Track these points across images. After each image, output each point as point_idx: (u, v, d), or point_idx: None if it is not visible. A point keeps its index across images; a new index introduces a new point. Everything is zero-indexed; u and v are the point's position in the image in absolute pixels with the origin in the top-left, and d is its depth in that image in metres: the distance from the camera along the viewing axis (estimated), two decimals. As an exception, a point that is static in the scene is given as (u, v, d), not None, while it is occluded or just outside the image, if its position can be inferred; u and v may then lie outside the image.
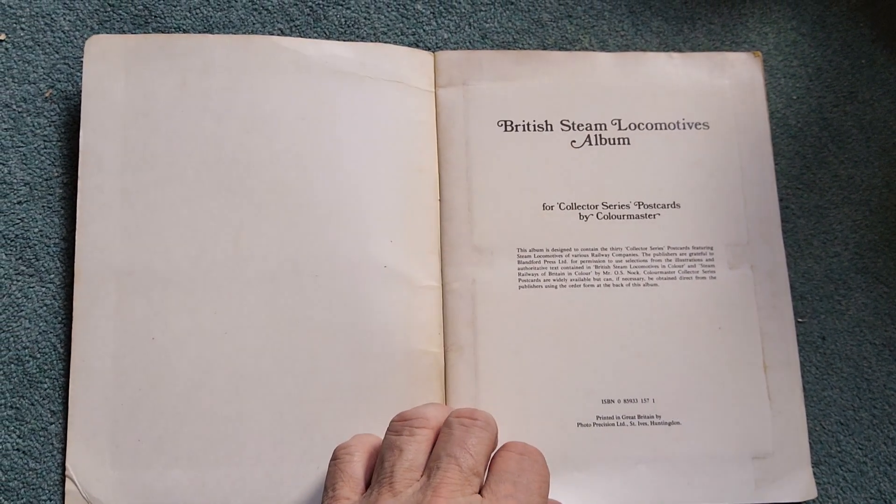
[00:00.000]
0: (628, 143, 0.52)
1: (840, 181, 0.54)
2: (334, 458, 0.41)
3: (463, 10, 0.55)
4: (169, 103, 0.49)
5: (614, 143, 0.52)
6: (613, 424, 0.48)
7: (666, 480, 0.48)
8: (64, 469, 0.45)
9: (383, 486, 0.37)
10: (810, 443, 0.50)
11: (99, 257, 0.47)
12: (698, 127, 0.53)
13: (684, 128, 0.53)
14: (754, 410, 0.49)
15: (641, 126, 0.53)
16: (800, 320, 0.52)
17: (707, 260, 0.51)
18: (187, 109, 0.49)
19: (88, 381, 0.46)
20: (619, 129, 0.52)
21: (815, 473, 0.50)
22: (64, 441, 0.46)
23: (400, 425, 0.40)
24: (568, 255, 0.50)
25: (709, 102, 0.53)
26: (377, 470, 0.39)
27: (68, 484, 0.45)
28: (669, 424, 0.48)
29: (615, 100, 0.53)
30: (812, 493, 0.48)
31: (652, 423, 0.48)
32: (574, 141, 0.52)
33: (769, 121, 0.54)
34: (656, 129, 0.53)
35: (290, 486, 0.45)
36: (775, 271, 0.51)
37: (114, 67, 0.49)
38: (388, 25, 0.54)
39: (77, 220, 0.47)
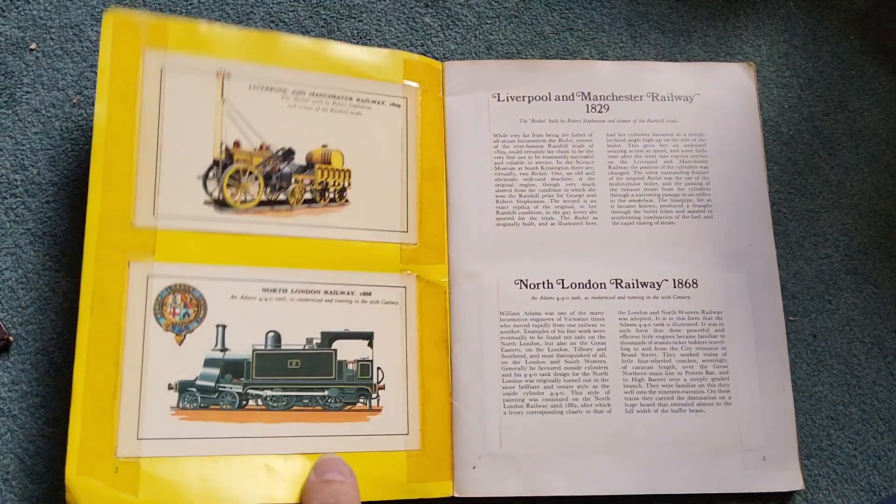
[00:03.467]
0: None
1: (831, 186, 0.57)
2: None
3: (469, 23, 0.57)
4: None
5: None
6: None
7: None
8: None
9: None
10: (801, 437, 0.52)
11: None
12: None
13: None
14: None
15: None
16: (791, 319, 0.54)
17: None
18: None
19: None
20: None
21: (806, 466, 0.52)
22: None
23: None
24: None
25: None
26: None
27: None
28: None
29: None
30: (798, 484, 0.50)
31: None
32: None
33: (762, 129, 0.56)
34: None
35: None
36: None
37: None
38: (398, 37, 0.56)
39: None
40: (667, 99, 0.56)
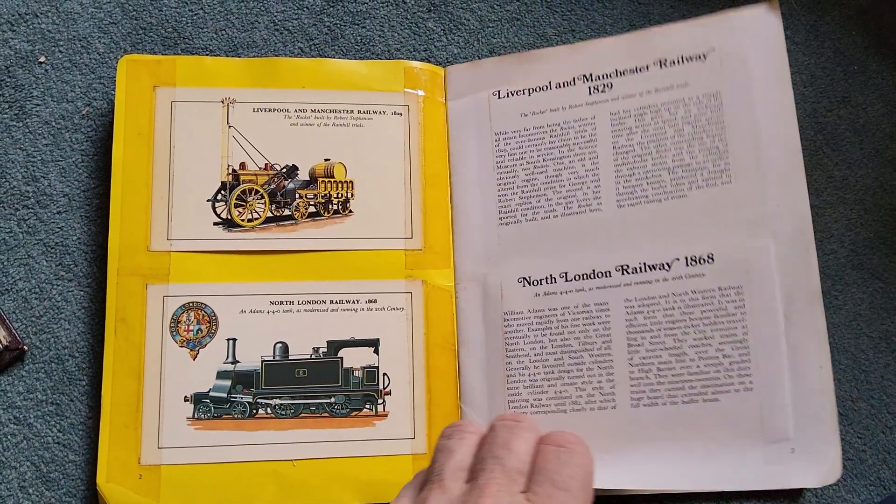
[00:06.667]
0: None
1: (835, 182, 0.57)
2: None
3: (472, 27, 0.58)
4: None
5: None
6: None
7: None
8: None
9: (433, 483, 0.38)
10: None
11: None
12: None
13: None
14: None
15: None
16: (798, 315, 0.54)
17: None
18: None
19: None
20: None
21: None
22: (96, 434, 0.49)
23: (451, 431, 0.41)
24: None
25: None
26: (428, 470, 0.40)
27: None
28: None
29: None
30: (834, 476, 0.47)
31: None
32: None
33: (790, 73, 0.52)
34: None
35: None
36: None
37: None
38: (401, 43, 0.57)
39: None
40: (676, 63, 0.52)
